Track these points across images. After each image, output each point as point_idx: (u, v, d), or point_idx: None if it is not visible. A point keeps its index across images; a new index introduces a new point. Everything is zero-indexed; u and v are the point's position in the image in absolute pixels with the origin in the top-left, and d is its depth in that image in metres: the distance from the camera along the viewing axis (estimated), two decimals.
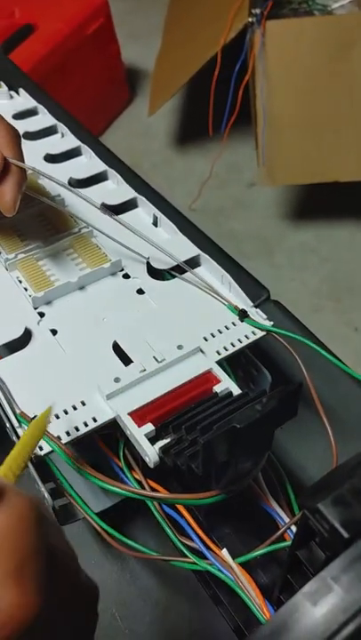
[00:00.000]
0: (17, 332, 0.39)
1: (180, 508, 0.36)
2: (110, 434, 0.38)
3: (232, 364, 0.41)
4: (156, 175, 1.59)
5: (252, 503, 0.37)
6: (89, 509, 0.37)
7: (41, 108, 0.61)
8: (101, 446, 0.39)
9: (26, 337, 0.40)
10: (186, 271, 0.43)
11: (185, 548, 0.36)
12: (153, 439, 0.34)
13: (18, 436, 0.37)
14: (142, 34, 1.97)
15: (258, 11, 1.22)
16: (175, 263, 0.44)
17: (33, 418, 0.34)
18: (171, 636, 0.40)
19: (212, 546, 0.35)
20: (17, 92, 0.64)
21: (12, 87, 0.66)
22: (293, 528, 0.35)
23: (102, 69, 1.66)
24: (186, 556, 0.35)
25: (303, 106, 1.28)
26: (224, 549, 0.34)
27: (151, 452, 0.33)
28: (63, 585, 0.22)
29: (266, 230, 1.49)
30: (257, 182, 1.55)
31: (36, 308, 0.41)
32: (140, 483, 0.36)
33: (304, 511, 0.22)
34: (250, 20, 1.23)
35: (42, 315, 0.41)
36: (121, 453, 0.38)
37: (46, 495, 0.36)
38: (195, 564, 0.35)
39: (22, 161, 0.40)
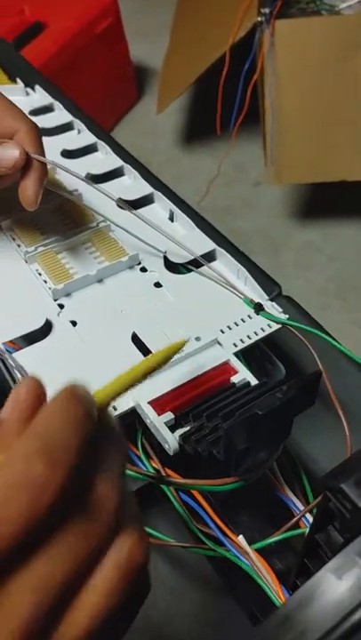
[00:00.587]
0: (38, 323, 0.40)
1: (197, 495, 0.37)
2: (128, 424, 0.39)
3: (246, 357, 0.42)
4: (162, 173, 1.59)
5: (267, 492, 0.38)
6: None
7: (57, 104, 0.62)
8: None
9: (46, 328, 0.41)
10: (202, 265, 0.44)
11: (202, 535, 0.36)
12: (172, 427, 0.34)
13: None
14: (150, 32, 1.98)
15: (267, 10, 1.23)
16: (192, 257, 0.44)
17: None
18: (186, 622, 0.41)
19: (228, 533, 0.36)
20: (32, 89, 0.65)
21: (28, 84, 0.66)
22: (308, 516, 0.36)
23: (111, 67, 1.67)
24: (203, 543, 0.36)
25: (311, 105, 1.29)
26: (240, 536, 0.35)
27: (171, 440, 0.34)
28: None
29: (272, 229, 1.49)
30: (264, 181, 1.56)
31: (55, 300, 0.42)
32: (157, 471, 0.37)
33: (326, 492, 0.23)
34: (259, 19, 1.24)
35: (61, 306, 0.42)
36: (139, 443, 0.38)
37: None
38: (212, 550, 0.36)
39: (43, 156, 0.41)
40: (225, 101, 1.31)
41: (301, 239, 1.47)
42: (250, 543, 0.35)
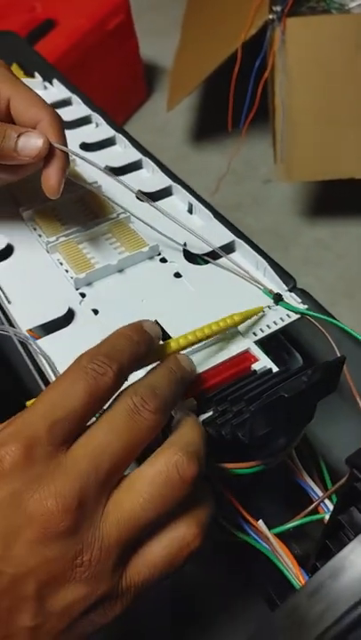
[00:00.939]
0: (61, 311, 0.41)
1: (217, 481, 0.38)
2: None
3: (263, 348, 0.43)
4: (172, 170, 1.61)
5: (285, 478, 0.39)
6: None
7: (75, 98, 0.62)
8: None
9: (69, 316, 0.41)
10: (221, 256, 0.45)
11: (222, 519, 0.37)
12: (195, 413, 0.35)
13: None
14: (160, 30, 1.99)
15: (278, 8, 1.24)
16: (210, 249, 0.45)
17: None
18: (203, 608, 0.42)
19: (248, 518, 0.36)
20: (50, 83, 0.66)
21: (45, 78, 0.67)
22: (327, 502, 0.37)
23: (121, 65, 1.67)
24: (223, 527, 0.37)
25: (322, 103, 1.29)
26: (260, 521, 0.36)
27: None
28: None
29: (282, 226, 1.50)
30: (274, 179, 1.56)
31: (77, 289, 0.43)
32: None
33: (353, 470, 0.24)
34: (270, 17, 1.24)
35: (83, 295, 0.43)
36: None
37: None
38: (232, 535, 0.37)
39: (66, 146, 0.42)
40: (235, 99, 1.32)
41: (311, 237, 1.48)
42: (269, 528, 0.36)
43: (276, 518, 0.38)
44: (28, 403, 0.30)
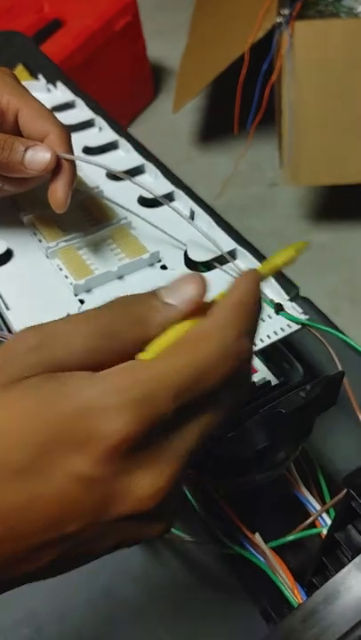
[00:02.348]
0: (59, 317, 0.41)
1: (215, 494, 0.37)
2: None
3: (263, 357, 0.42)
4: (177, 172, 1.60)
5: (283, 491, 0.38)
6: None
7: (78, 101, 0.62)
8: None
9: None
10: (222, 264, 0.44)
11: (218, 532, 0.37)
12: None
13: None
14: (167, 31, 1.99)
15: (287, 11, 1.23)
16: (212, 256, 0.45)
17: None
18: (198, 618, 0.41)
19: (245, 531, 0.36)
20: (54, 85, 0.66)
21: (49, 80, 0.67)
22: (325, 516, 0.36)
23: (128, 66, 1.67)
24: (219, 540, 0.37)
25: (329, 107, 1.29)
26: (257, 534, 0.36)
27: None
28: None
29: (286, 230, 1.49)
30: (280, 183, 1.56)
31: (76, 295, 0.43)
32: None
33: (349, 490, 0.23)
34: (278, 20, 1.24)
35: (82, 302, 0.42)
36: None
37: None
38: (228, 547, 0.36)
39: (73, 160, 0.41)
40: (242, 101, 1.31)
41: (315, 241, 1.47)
42: (265, 541, 0.36)
43: (273, 531, 0.37)
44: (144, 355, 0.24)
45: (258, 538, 0.35)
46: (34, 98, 0.42)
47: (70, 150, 0.42)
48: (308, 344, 0.50)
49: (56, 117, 0.42)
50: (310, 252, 1.46)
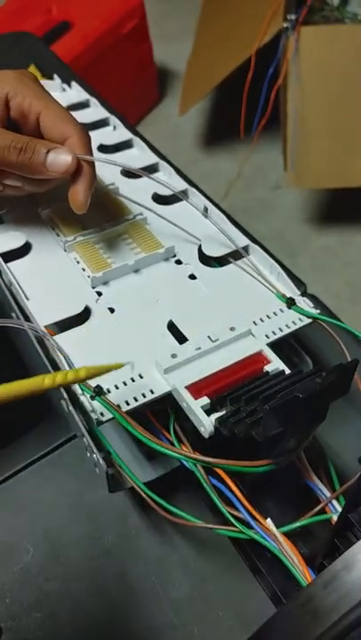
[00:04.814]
0: (78, 309, 0.42)
1: (227, 479, 0.38)
2: (160, 410, 0.40)
3: (274, 350, 0.44)
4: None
5: (293, 478, 0.39)
6: (137, 479, 0.39)
7: (93, 100, 0.63)
8: (153, 420, 0.41)
9: (85, 313, 0.42)
10: (236, 259, 0.46)
11: (231, 516, 0.38)
12: (208, 411, 0.36)
13: (74, 406, 0.40)
14: (173, 34, 2.00)
15: (293, 16, 1.25)
16: (226, 252, 0.46)
17: (96, 387, 0.37)
18: (208, 604, 0.43)
19: (256, 516, 0.37)
20: (69, 85, 0.67)
21: (63, 80, 0.68)
22: (335, 503, 0.37)
23: (134, 68, 1.69)
24: (232, 525, 0.38)
25: (333, 111, 1.30)
26: (268, 519, 0.37)
27: (207, 423, 0.35)
28: None
29: (290, 233, 1.51)
30: (284, 186, 1.57)
31: (93, 288, 0.44)
32: None
33: None
34: (285, 25, 1.25)
35: (99, 294, 0.44)
36: (171, 427, 0.40)
37: (101, 461, 0.38)
38: (240, 532, 0.37)
39: (93, 164, 0.43)
40: (246, 105, 1.33)
41: (318, 244, 1.48)
42: (276, 527, 0.37)
43: (282, 518, 0.39)
44: None
45: (270, 523, 0.36)
46: (55, 101, 0.44)
47: (90, 153, 0.43)
48: (315, 338, 0.51)
49: (76, 120, 0.43)
50: (313, 255, 1.48)
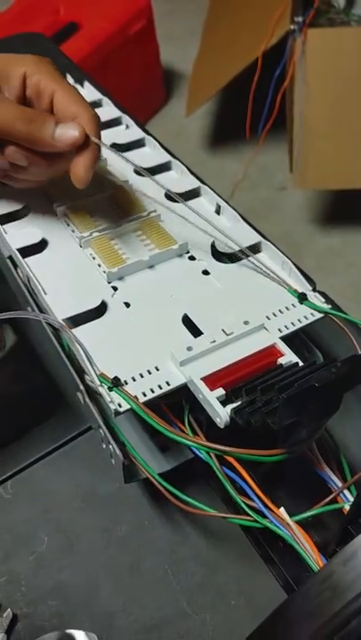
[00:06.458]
0: (95, 303, 0.43)
1: (240, 469, 0.39)
2: (175, 402, 0.41)
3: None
4: None
5: (305, 468, 0.40)
6: (151, 470, 0.40)
7: (105, 100, 0.64)
8: (167, 412, 0.42)
9: (102, 308, 0.43)
10: (248, 255, 0.47)
11: (244, 505, 0.39)
12: (223, 402, 0.37)
13: (90, 399, 0.40)
14: (180, 36, 2.01)
15: (300, 19, 1.26)
16: (237, 249, 0.47)
17: (114, 378, 0.38)
18: (220, 593, 0.43)
19: (270, 505, 0.38)
20: (81, 85, 0.68)
21: (75, 80, 0.69)
22: (347, 493, 0.38)
23: (141, 69, 1.70)
24: (246, 514, 0.38)
25: (339, 113, 1.31)
26: (281, 508, 0.37)
27: (223, 413, 0.36)
28: None
29: (294, 233, 1.52)
30: (289, 187, 1.58)
31: (109, 283, 0.45)
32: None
33: None
34: (291, 27, 1.26)
35: (115, 289, 0.45)
36: (186, 419, 0.41)
37: (117, 451, 0.39)
38: (255, 521, 0.38)
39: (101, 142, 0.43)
40: (252, 106, 1.34)
41: (323, 244, 1.49)
42: (289, 516, 0.38)
43: (294, 507, 0.39)
44: None
45: (283, 512, 0.37)
46: (69, 84, 0.44)
47: (98, 134, 0.43)
48: (324, 333, 0.52)
49: (87, 103, 0.44)
50: (317, 256, 1.48)
